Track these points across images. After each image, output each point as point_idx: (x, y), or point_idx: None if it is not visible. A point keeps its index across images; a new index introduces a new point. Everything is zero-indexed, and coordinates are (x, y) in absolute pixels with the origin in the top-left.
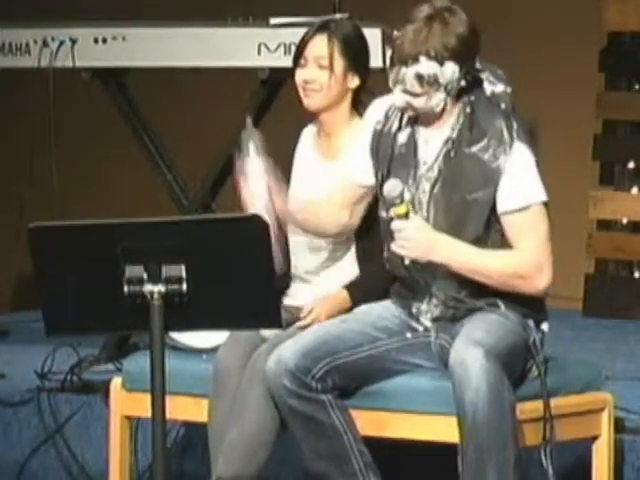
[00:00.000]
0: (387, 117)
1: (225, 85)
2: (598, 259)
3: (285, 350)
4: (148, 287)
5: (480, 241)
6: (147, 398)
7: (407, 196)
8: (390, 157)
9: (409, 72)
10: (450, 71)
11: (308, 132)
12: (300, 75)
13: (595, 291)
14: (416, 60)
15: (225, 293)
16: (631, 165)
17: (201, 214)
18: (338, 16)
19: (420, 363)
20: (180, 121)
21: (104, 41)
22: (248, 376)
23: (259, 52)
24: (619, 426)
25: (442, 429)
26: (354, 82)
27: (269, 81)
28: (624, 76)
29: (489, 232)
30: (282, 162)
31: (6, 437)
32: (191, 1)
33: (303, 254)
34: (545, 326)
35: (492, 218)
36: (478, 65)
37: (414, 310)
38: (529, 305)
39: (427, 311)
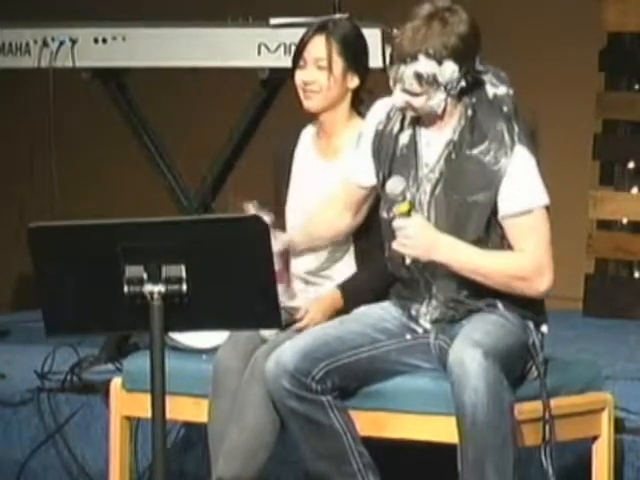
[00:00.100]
0: (389, 118)
1: (225, 85)
2: (598, 259)
3: (285, 351)
4: (148, 287)
5: (480, 243)
6: (147, 398)
7: (409, 197)
8: (391, 158)
9: (408, 71)
10: (449, 70)
11: (307, 132)
12: (299, 76)
13: (595, 291)
14: (415, 59)
15: (225, 293)
16: (631, 165)
17: (201, 214)
18: (337, 16)
19: (419, 364)
20: (180, 121)
21: (104, 41)
22: (248, 377)
23: (259, 52)
24: (619, 426)
25: (441, 429)
26: (353, 82)
27: (269, 81)
28: (624, 76)
29: (489, 234)
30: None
31: (6, 437)
32: (191, 1)
33: (303, 255)
34: (545, 328)
35: (493, 220)
36: (481, 67)
37: (413, 312)
38: (529, 307)
39: (426, 313)
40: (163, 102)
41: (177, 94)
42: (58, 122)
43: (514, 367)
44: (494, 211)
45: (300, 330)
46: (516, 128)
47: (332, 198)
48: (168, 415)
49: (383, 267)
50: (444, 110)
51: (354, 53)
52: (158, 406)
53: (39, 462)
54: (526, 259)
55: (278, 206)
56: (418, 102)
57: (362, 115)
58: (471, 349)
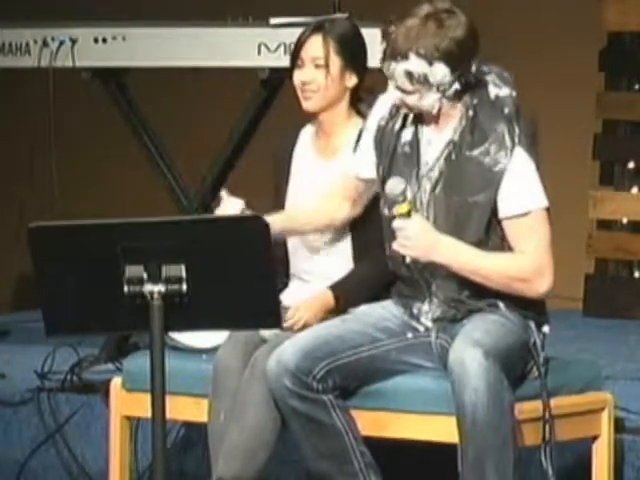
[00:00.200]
0: (392, 114)
1: (225, 85)
2: (598, 259)
3: (286, 350)
4: (148, 287)
5: (481, 244)
6: (147, 398)
7: (409, 195)
8: (392, 154)
9: (399, 68)
10: (441, 73)
11: (306, 132)
12: (298, 76)
13: (595, 291)
14: (405, 57)
15: (225, 293)
16: (631, 165)
17: (201, 214)
18: (337, 16)
19: (420, 363)
20: (180, 121)
21: (104, 41)
22: (248, 376)
23: (259, 52)
24: (619, 426)
25: (442, 429)
26: (351, 81)
27: (269, 81)
28: (624, 76)
29: (490, 235)
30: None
31: (6, 437)
32: (191, 1)
33: (302, 254)
34: (546, 328)
35: (493, 221)
36: (484, 67)
37: (415, 310)
38: (530, 307)
39: (428, 311)
40: (163, 102)
41: (177, 94)
42: (58, 122)
43: (514, 367)
44: (494, 212)
45: (288, 329)
46: (517, 130)
47: (331, 189)
48: (168, 415)
49: (382, 264)
50: (441, 110)
51: (351, 52)
52: (158, 406)
53: (39, 462)
54: (526, 260)
55: (278, 206)
56: (411, 100)
57: (361, 114)
58: (471, 349)
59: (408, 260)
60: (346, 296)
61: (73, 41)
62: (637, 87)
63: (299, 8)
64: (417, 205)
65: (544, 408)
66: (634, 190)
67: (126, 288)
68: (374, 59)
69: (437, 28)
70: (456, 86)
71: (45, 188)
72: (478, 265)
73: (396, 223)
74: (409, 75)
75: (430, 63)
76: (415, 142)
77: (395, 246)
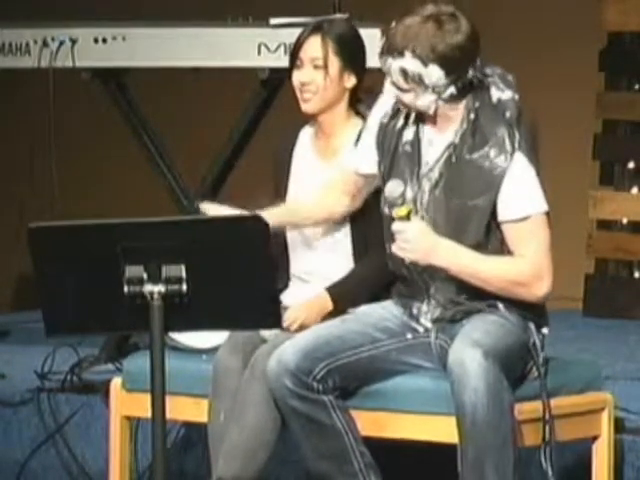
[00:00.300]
0: (394, 112)
1: (225, 85)
2: (598, 259)
3: (286, 350)
4: (148, 287)
5: (480, 247)
6: (147, 398)
7: (410, 194)
8: (393, 152)
9: (394, 65)
10: (435, 75)
11: (305, 133)
12: (297, 77)
13: (595, 291)
14: (401, 54)
15: (225, 293)
16: (631, 165)
17: (201, 214)
18: (337, 16)
19: (420, 364)
20: (180, 121)
21: (104, 41)
22: (248, 376)
23: (259, 52)
24: (619, 426)
25: (442, 429)
26: (350, 81)
27: (269, 81)
28: (624, 76)
29: (489, 238)
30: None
31: (6, 437)
32: (191, 1)
33: (302, 254)
34: (546, 330)
35: (492, 224)
36: (488, 69)
37: (414, 311)
38: (529, 308)
39: (427, 312)
40: (163, 102)
41: (177, 94)
42: (58, 122)
43: (514, 367)
44: (494, 215)
45: (285, 330)
46: (517, 134)
47: (331, 182)
48: (168, 415)
49: (382, 264)
50: (439, 111)
51: (350, 52)
52: (158, 406)
53: (39, 462)
54: (525, 264)
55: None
56: (407, 98)
57: (360, 114)
58: (471, 349)
59: (407, 260)
60: (344, 298)
61: (73, 41)
62: (637, 87)
63: (299, 8)
64: (417, 205)
65: (544, 408)
66: (634, 190)
67: (126, 288)
68: (373, 59)
69: (436, 30)
70: (452, 90)
71: (45, 188)
72: (477, 269)
73: (395, 226)
74: (404, 73)
75: (425, 64)
76: (416, 142)
77: (394, 249)
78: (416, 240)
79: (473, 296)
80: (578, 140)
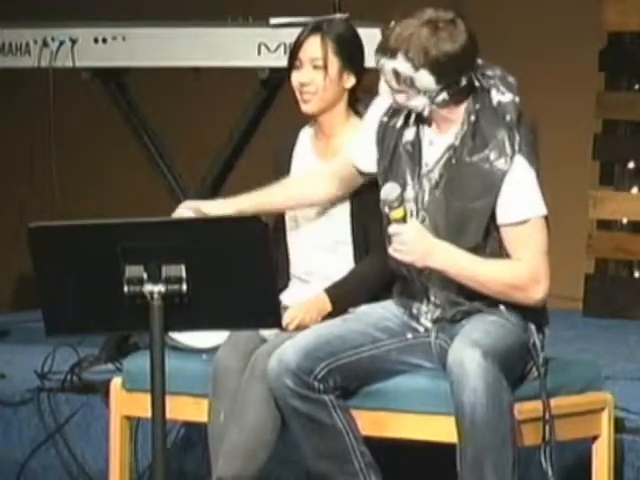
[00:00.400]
0: (394, 110)
1: (225, 85)
2: (598, 259)
3: (287, 350)
4: (148, 287)
5: (478, 249)
6: (147, 398)
7: (411, 194)
8: (393, 151)
9: (387, 65)
10: (425, 80)
11: (305, 133)
12: (296, 77)
13: (595, 291)
14: (394, 55)
15: (225, 293)
16: (631, 165)
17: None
18: (337, 16)
19: (420, 363)
20: (180, 121)
21: (104, 41)
22: (248, 376)
23: (259, 52)
24: (619, 426)
25: (442, 429)
26: (350, 82)
27: (269, 81)
28: (624, 76)
29: (488, 240)
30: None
31: (6, 437)
32: (191, 1)
33: (302, 254)
34: (546, 329)
35: (491, 227)
36: (489, 71)
37: (414, 311)
38: (530, 309)
39: (427, 312)
40: (163, 102)
41: (177, 94)
42: (58, 122)
43: (514, 367)
44: (493, 218)
45: (284, 329)
46: (517, 137)
47: (329, 166)
48: (168, 415)
49: (382, 264)
50: (434, 114)
51: (350, 52)
52: (158, 406)
53: (39, 462)
54: (523, 268)
55: None
56: (400, 98)
57: (359, 114)
58: (470, 349)
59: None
60: (343, 299)
61: (73, 41)
62: (637, 87)
63: (299, 8)
64: (418, 205)
65: (544, 408)
66: (634, 190)
67: (126, 288)
68: (372, 59)
69: (430, 35)
70: (444, 96)
71: (45, 188)
72: (475, 271)
73: (392, 228)
74: (396, 74)
75: (416, 68)
76: (417, 142)
77: (390, 251)
78: (412, 242)
79: (473, 296)
80: (578, 140)
